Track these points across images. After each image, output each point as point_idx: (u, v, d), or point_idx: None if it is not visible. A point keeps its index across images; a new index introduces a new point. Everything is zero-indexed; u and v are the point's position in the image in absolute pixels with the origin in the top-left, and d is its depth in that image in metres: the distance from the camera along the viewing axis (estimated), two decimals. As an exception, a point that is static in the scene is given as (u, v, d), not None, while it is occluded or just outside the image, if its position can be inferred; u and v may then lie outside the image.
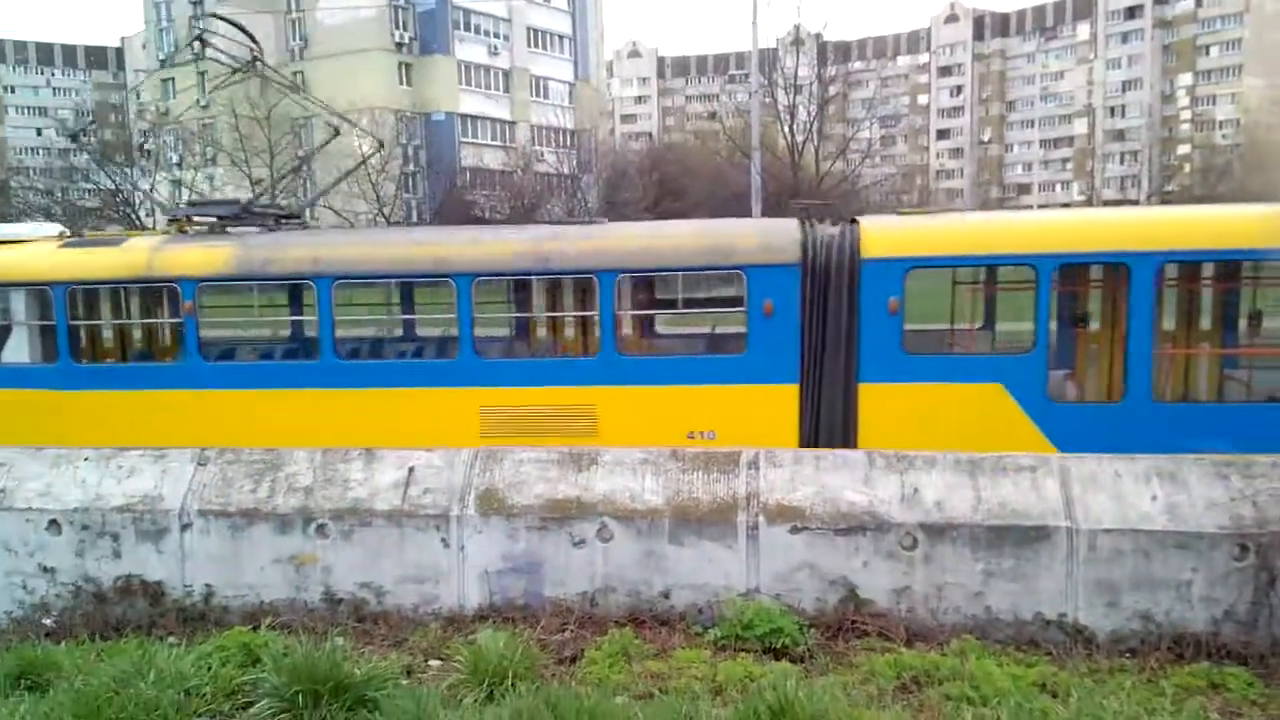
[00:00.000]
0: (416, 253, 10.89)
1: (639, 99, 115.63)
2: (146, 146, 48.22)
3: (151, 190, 43.57)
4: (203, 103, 55.33)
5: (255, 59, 13.74)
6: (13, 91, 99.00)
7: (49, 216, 44.47)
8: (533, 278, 10.75)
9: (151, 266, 10.41)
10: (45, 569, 6.38)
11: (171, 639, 5.75)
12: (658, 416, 9.63)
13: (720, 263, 9.94)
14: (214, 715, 4.51)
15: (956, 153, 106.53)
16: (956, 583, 5.76)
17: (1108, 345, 9.73)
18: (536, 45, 66.39)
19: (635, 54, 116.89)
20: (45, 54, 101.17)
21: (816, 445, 9.20)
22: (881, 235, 9.54)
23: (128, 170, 43.46)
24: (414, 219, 51.95)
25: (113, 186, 42.50)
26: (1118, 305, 9.35)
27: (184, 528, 6.28)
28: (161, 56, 60.34)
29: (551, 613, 6.01)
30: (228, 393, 10.28)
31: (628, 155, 63.18)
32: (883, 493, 5.96)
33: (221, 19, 14.22)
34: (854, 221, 9.90)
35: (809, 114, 44.63)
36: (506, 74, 64.16)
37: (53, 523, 6.37)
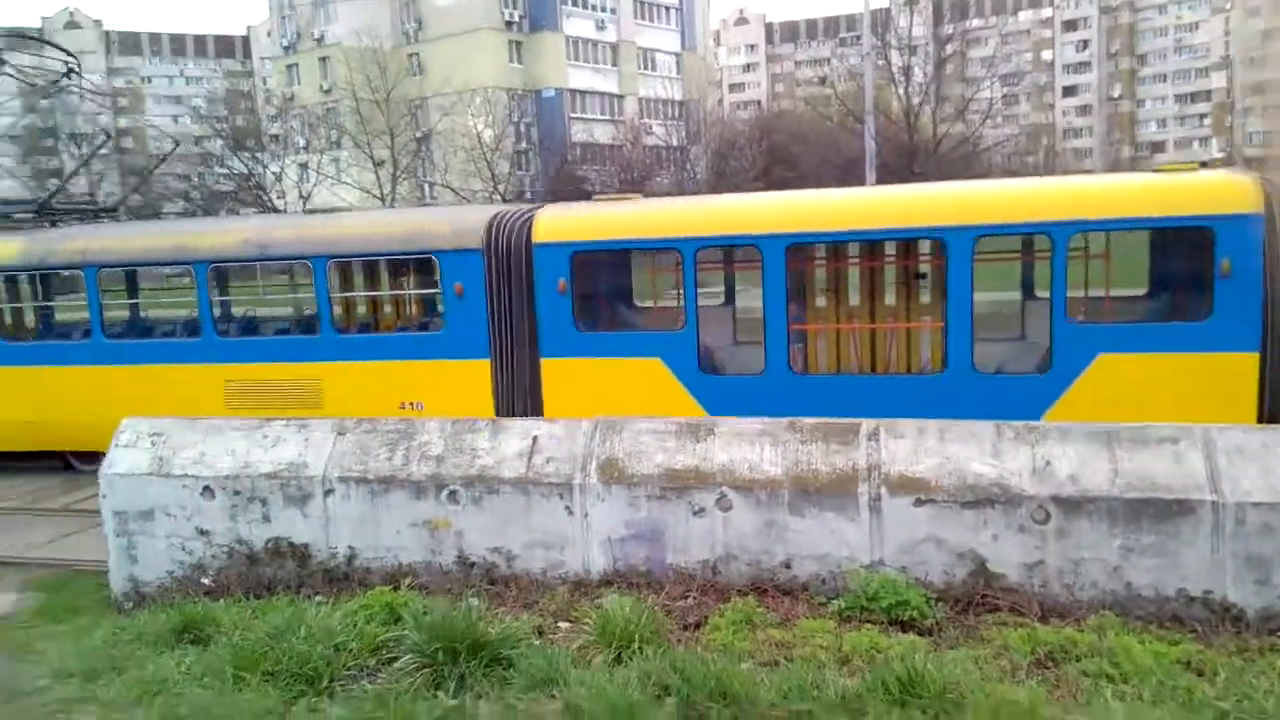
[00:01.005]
0: (163, 243, 12.15)
1: (747, 67, 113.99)
2: (274, 131, 50.36)
3: (281, 173, 45.52)
4: (325, 87, 57.38)
5: (70, 70, 15.24)
6: (150, 82, 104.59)
7: (187, 200, 46.98)
8: (256, 264, 12.18)
9: None
10: (202, 532, 6.83)
11: (318, 598, 6.09)
12: (374, 389, 10.52)
13: (415, 248, 10.92)
14: (361, 669, 4.77)
15: (1084, 110, 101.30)
16: (1094, 557, 5.59)
17: (749, 321, 10.37)
18: (643, 17, 66.12)
19: (742, 21, 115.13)
20: (178, 45, 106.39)
21: (511, 416, 9.96)
22: (550, 222, 10.25)
23: (258, 155, 45.40)
24: (527, 195, 52.74)
25: (245, 171, 44.50)
26: (756, 285, 9.85)
27: (327, 493, 6.62)
28: (285, 43, 62.68)
29: (674, 580, 6.10)
30: (21, 369, 12.01)
31: (736, 125, 62.44)
32: (1012, 465, 5.81)
33: (31, 38, 15.94)
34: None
35: (925, 75, 43.19)
36: (614, 47, 64.17)
37: (207, 489, 6.80)
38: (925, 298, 10.42)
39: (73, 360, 11.80)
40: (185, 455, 6.93)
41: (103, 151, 52.89)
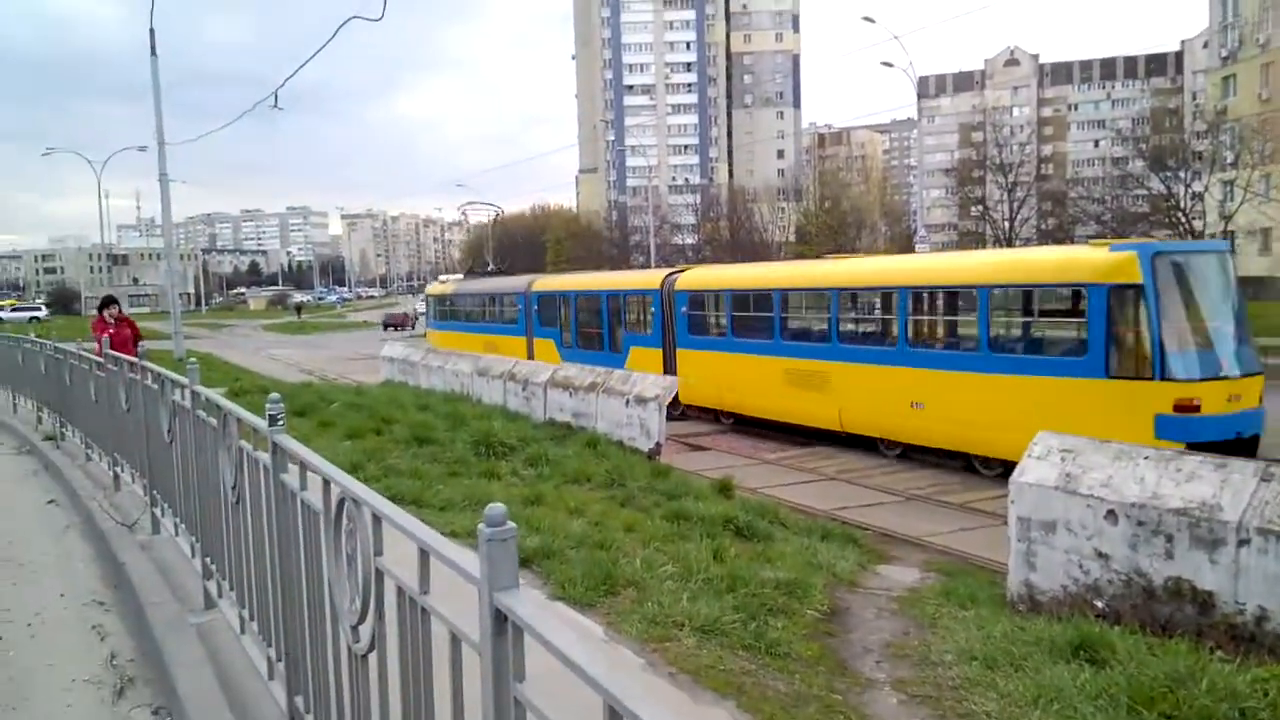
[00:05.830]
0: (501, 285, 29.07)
1: None
2: (1199, 148, 47.03)
3: (1204, 193, 42.45)
4: (1263, 96, 51.39)
5: (498, 214, 35.97)
6: (1075, 109, 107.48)
7: (1100, 223, 47.07)
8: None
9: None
10: (1100, 554, 6.86)
11: (1219, 653, 5.62)
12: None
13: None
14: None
15: None
16: None
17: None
18: None
19: None
20: (1108, 69, 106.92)
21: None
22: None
23: (1180, 174, 43.02)
24: None
25: (1164, 191, 42.63)
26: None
27: (1241, 543, 6.05)
28: (1224, 54, 57.90)
29: None
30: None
31: None
32: None
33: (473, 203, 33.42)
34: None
35: None
36: None
37: (1110, 513, 6.79)
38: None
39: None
40: (1094, 476, 7.03)
41: (1025, 178, 56.27)
